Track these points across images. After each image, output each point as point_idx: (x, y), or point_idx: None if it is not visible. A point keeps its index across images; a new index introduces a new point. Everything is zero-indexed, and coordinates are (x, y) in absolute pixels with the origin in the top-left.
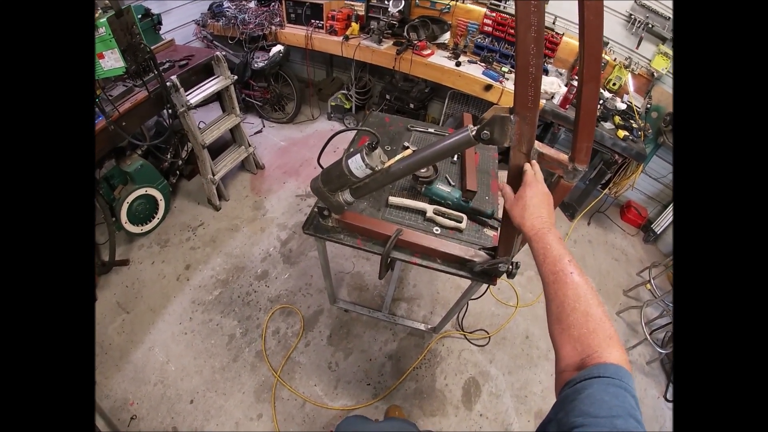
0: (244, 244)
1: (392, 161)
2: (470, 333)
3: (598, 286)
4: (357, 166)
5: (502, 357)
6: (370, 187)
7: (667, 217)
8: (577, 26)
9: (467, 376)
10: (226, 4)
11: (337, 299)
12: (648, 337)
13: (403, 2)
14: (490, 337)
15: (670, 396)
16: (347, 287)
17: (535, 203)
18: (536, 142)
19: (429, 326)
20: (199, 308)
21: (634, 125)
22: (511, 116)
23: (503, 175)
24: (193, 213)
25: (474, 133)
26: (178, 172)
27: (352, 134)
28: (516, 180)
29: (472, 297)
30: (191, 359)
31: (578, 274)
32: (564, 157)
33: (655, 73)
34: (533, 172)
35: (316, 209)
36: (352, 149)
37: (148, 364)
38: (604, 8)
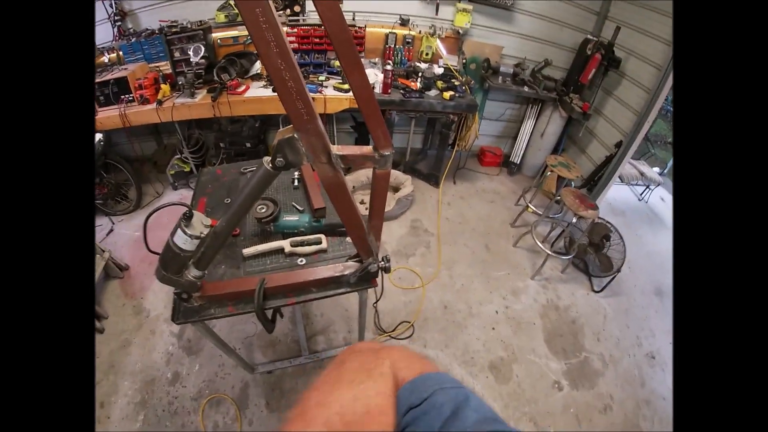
0: (142, 355)
1: (214, 222)
2: (393, 330)
3: (485, 230)
4: (183, 240)
5: (433, 336)
6: (208, 255)
7: (520, 146)
8: (375, 14)
9: None
10: None
11: (254, 366)
12: (549, 252)
13: (203, 48)
14: (413, 324)
15: (597, 288)
16: (259, 348)
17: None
18: (333, 146)
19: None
20: None
21: (457, 83)
22: (295, 134)
23: (350, 178)
24: None
25: (270, 165)
26: None
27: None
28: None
29: (375, 302)
30: None
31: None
32: (367, 149)
33: (460, 30)
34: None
35: (174, 296)
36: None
37: None
38: None
